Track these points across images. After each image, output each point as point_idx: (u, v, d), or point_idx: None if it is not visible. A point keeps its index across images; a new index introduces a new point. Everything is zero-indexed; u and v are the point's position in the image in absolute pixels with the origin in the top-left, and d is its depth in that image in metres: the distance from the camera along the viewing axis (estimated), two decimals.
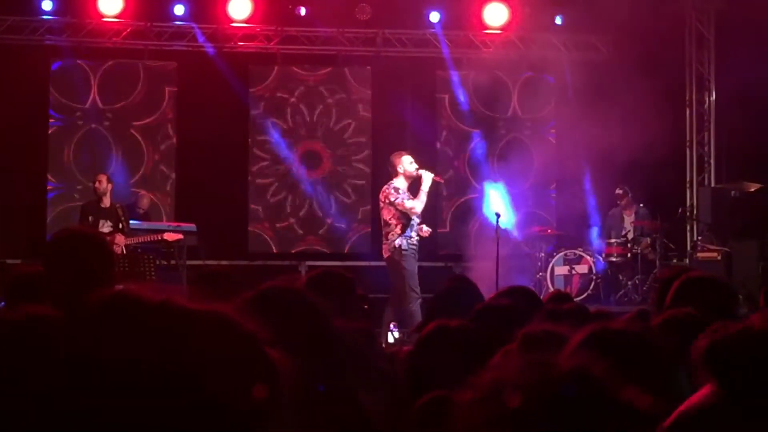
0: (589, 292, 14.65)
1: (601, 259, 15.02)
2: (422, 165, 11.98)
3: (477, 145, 16.96)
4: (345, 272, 4.85)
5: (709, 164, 16.39)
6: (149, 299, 1.66)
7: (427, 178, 11.52)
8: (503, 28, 16.35)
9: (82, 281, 3.71)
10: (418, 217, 11.53)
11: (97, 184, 12.72)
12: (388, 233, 11.57)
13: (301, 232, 16.82)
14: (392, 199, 11.50)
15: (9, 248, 14.39)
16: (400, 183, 11.58)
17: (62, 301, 3.67)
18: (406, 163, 11.59)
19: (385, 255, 11.64)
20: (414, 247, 11.48)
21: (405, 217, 11.44)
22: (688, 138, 16.49)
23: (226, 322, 1.68)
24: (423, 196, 11.47)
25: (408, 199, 11.47)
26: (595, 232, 15.61)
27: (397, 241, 11.44)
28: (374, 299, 10.30)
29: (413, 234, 11.46)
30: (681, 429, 1.92)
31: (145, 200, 15.53)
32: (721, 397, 1.85)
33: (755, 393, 1.75)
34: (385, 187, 11.71)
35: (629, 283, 14.73)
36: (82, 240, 3.98)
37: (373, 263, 16.10)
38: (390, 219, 11.54)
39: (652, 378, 1.83)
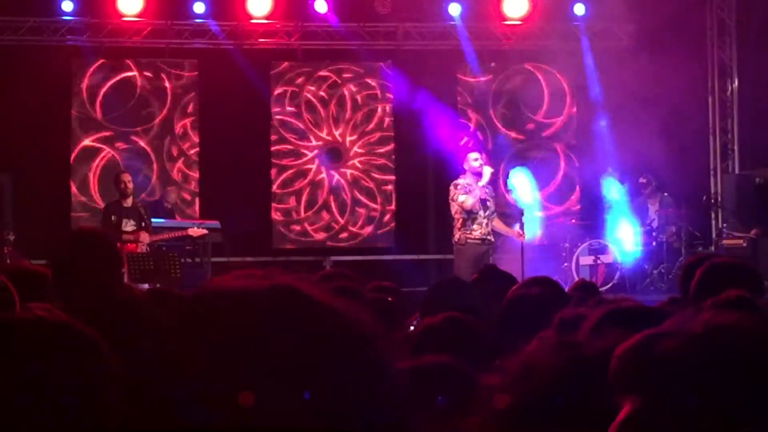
0: (614, 281, 14.62)
1: (625, 248, 14.98)
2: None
3: (500, 137, 16.94)
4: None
5: (733, 151, 16.30)
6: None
7: (486, 173, 11.56)
8: (523, 19, 16.30)
9: (90, 280, 3.72)
10: (481, 210, 11.48)
11: (122, 186, 12.69)
12: (454, 228, 11.71)
13: (325, 227, 16.84)
14: (451, 195, 11.65)
15: (35, 248, 14.37)
16: (465, 179, 11.66)
17: (71, 300, 3.69)
18: (471, 160, 11.70)
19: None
20: (475, 241, 11.45)
21: (465, 212, 11.49)
22: (711, 125, 16.39)
23: None
24: (476, 191, 11.48)
25: (462, 194, 11.53)
26: (619, 221, 15.52)
27: (456, 236, 11.58)
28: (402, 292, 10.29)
29: (475, 227, 11.47)
30: None
31: (172, 195, 15.54)
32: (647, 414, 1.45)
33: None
34: (452, 183, 11.81)
35: (654, 271, 14.68)
36: (86, 240, 3.98)
37: (397, 257, 16.13)
38: (454, 214, 11.65)
39: None
